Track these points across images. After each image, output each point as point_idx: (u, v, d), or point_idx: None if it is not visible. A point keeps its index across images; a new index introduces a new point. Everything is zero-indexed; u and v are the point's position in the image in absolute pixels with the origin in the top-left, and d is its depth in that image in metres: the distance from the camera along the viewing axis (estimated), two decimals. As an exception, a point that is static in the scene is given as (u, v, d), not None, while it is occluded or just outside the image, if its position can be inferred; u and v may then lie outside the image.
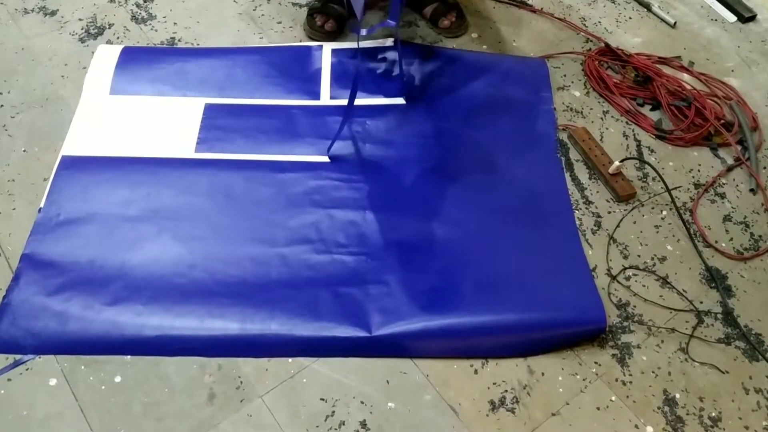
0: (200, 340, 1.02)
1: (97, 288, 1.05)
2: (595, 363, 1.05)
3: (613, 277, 1.15)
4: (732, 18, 1.65)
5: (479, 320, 1.04)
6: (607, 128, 1.38)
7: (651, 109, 1.42)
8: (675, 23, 1.61)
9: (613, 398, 1.02)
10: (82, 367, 0.99)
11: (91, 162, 1.22)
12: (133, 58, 1.39)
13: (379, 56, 1.43)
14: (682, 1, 1.67)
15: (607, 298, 1.12)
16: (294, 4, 1.58)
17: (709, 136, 1.37)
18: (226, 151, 1.25)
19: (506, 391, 1.01)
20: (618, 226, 1.22)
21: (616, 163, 1.26)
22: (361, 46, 1.39)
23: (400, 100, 1.36)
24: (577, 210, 1.23)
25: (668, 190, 1.25)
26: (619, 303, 1.12)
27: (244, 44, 1.47)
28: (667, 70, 1.49)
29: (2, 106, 1.32)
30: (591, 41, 1.56)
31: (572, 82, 1.46)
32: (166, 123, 1.29)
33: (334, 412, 0.98)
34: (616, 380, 1.04)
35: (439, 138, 1.31)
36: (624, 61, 1.48)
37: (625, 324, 1.09)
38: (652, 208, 1.25)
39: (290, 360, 1.02)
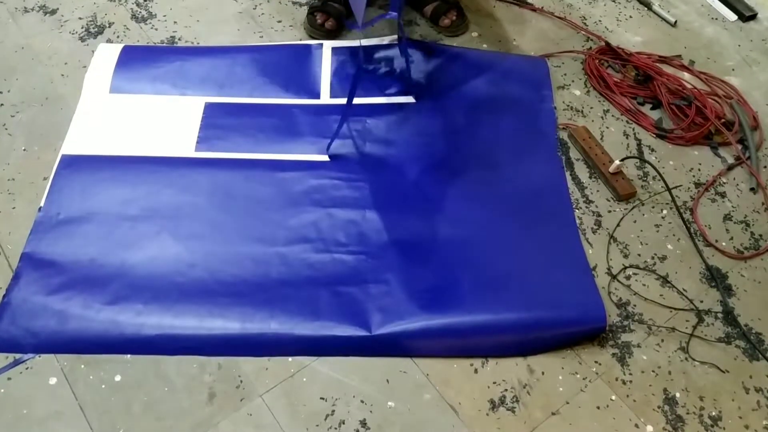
0: (200, 339, 1.02)
1: (97, 287, 1.05)
2: (595, 362, 1.05)
3: (614, 276, 1.15)
4: (733, 17, 1.65)
5: (479, 319, 1.04)
6: (607, 127, 1.38)
7: (651, 108, 1.42)
8: (675, 22, 1.61)
9: (613, 397, 1.02)
10: (82, 366, 0.99)
11: (91, 161, 1.22)
12: (133, 56, 1.39)
13: (380, 54, 1.43)
14: (682, 0, 1.67)
15: (607, 297, 1.12)
16: (294, 3, 1.57)
17: (709, 135, 1.37)
18: (226, 150, 1.25)
19: (506, 390, 1.01)
20: (618, 225, 1.22)
21: (617, 162, 1.26)
22: (363, 43, 1.39)
23: (407, 99, 1.35)
24: (578, 209, 1.23)
25: (668, 189, 1.24)
26: (620, 302, 1.12)
27: (244, 43, 1.47)
28: (667, 69, 1.48)
29: (2, 105, 1.32)
30: (591, 40, 1.55)
31: (573, 81, 1.46)
32: (166, 122, 1.29)
33: (334, 411, 0.98)
34: (616, 379, 1.04)
35: (439, 137, 1.31)
36: (624, 60, 1.48)
37: (626, 323, 1.09)
38: (653, 207, 1.25)
39: (290, 359, 1.02)
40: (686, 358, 1.06)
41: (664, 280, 1.15)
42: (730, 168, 1.33)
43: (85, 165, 1.21)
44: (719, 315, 1.12)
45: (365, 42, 1.44)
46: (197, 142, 1.26)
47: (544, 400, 1.01)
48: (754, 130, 1.39)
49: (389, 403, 0.99)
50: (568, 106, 1.41)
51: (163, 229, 1.13)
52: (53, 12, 1.50)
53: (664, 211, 1.25)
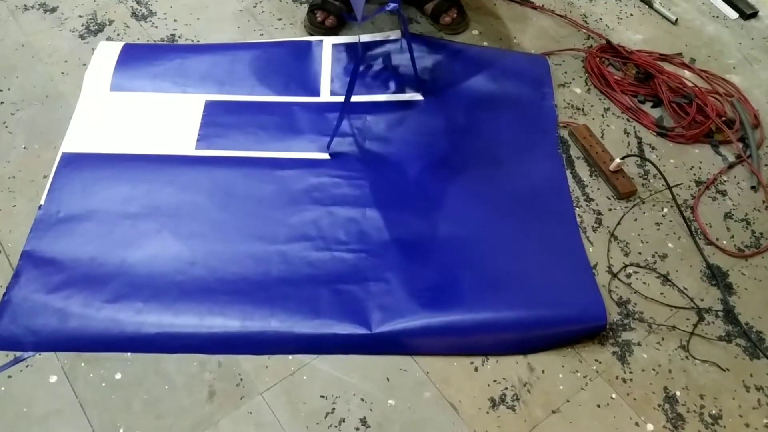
0: (200, 337, 1.02)
1: (97, 285, 1.05)
2: (596, 360, 1.05)
3: (614, 275, 1.15)
4: (734, 15, 1.65)
5: (479, 318, 1.04)
6: (608, 125, 1.38)
7: (652, 106, 1.42)
8: (676, 20, 1.61)
9: (614, 396, 1.02)
10: (82, 365, 1.00)
11: (92, 159, 1.22)
12: (133, 54, 1.39)
13: (381, 50, 1.42)
14: (683, -2, 1.67)
15: (607, 295, 1.12)
16: (294, 1, 1.57)
17: (710, 133, 1.37)
18: (226, 148, 1.25)
19: (506, 388, 1.01)
20: (619, 223, 1.22)
21: (617, 160, 1.26)
22: (362, 40, 1.38)
23: (412, 96, 1.35)
24: (578, 207, 1.23)
25: (669, 188, 1.24)
26: (620, 300, 1.12)
27: (244, 41, 1.46)
28: (668, 67, 1.48)
29: (2, 103, 1.32)
30: (592, 38, 1.55)
31: (573, 79, 1.46)
32: (166, 120, 1.29)
33: (334, 409, 0.98)
34: (617, 378, 1.04)
35: (440, 135, 1.31)
36: (625, 58, 1.48)
37: (626, 321, 1.09)
38: (653, 205, 1.25)
39: (290, 357, 1.02)
40: (687, 357, 1.06)
41: (665, 279, 1.15)
42: (731, 166, 1.33)
43: (85, 163, 1.21)
44: (720, 313, 1.12)
45: (366, 38, 1.44)
46: (197, 140, 1.26)
47: (544, 399, 1.01)
48: (755, 128, 1.39)
49: (389, 401, 0.99)
50: (568, 104, 1.41)
51: (163, 228, 1.13)
52: (53, 10, 1.50)
53: (665, 210, 1.25)
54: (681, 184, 1.29)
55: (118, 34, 1.46)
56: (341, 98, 1.33)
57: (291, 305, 1.05)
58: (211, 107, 1.31)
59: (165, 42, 1.46)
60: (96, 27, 1.47)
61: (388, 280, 1.09)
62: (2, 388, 0.97)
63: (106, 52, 1.39)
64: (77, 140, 1.24)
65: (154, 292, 1.06)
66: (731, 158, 1.34)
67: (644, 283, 1.14)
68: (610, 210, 1.24)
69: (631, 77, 1.46)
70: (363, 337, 1.03)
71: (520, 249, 1.15)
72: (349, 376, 1.01)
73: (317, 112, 1.32)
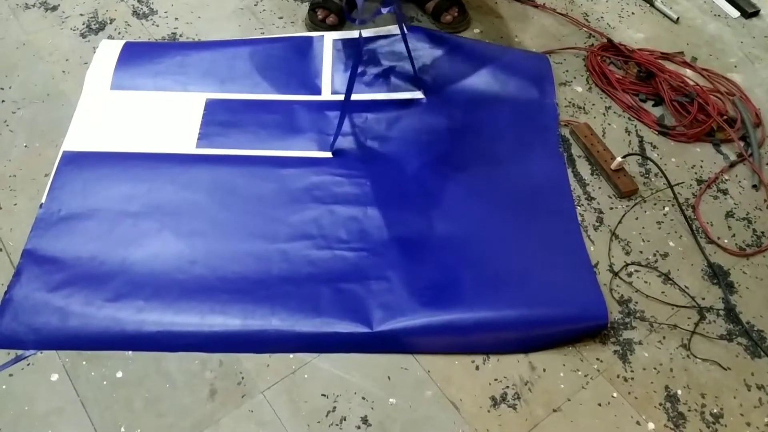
0: (201, 335, 1.02)
1: (98, 284, 1.05)
2: (597, 359, 1.05)
3: (615, 274, 1.15)
4: (735, 13, 1.65)
5: (481, 316, 1.04)
6: (609, 124, 1.38)
7: (653, 105, 1.42)
8: (678, 19, 1.61)
9: (615, 394, 1.02)
10: (84, 363, 1.00)
11: (93, 157, 1.21)
12: (134, 53, 1.39)
13: (382, 47, 1.42)
14: (685, -3, 1.67)
15: (609, 294, 1.12)
16: (295, -1, 1.57)
17: (711, 132, 1.37)
18: (227, 146, 1.25)
19: (507, 387, 1.01)
20: (620, 222, 1.22)
21: (619, 159, 1.25)
22: (364, 35, 1.37)
23: (414, 94, 1.35)
24: (579, 206, 1.23)
25: (670, 186, 1.24)
26: (621, 299, 1.12)
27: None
28: (669, 66, 1.48)
29: (3, 101, 1.32)
30: (593, 37, 1.55)
31: (574, 78, 1.46)
32: (167, 118, 1.29)
33: (335, 407, 0.98)
34: (618, 376, 1.03)
35: (441, 133, 1.31)
36: (626, 57, 1.48)
37: (627, 320, 1.09)
38: (655, 204, 1.25)
39: (291, 356, 1.02)
40: (688, 356, 1.06)
41: (666, 277, 1.15)
42: (732, 165, 1.33)
43: (86, 162, 1.21)
44: (721, 312, 1.12)
45: (368, 32, 1.43)
46: (198, 139, 1.26)
47: (545, 397, 1.01)
48: (757, 127, 1.39)
49: (390, 400, 0.99)
50: (570, 102, 1.41)
51: (164, 226, 1.13)
52: (54, 8, 1.50)
53: (666, 208, 1.25)
54: (682, 182, 1.29)
55: (119, 33, 1.46)
56: (342, 96, 1.33)
57: (292, 304, 1.05)
58: (211, 106, 1.31)
59: (166, 41, 1.45)
60: (97, 25, 1.47)
61: (389, 278, 1.09)
62: (3, 387, 0.97)
63: (108, 51, 1.39)
64: (78, 139, 1.24)
65: (155, 291, 1.05)
66: (732, 157, 1.34)
67: (645, 282, 1.14)
68: (612, 209, 1.24)
69: (632, 76, 1.45)
70: (364, 335, 1.03)
71: (522, 247, 1.14)
72: (350, 374, 1.01)
73: (318, 110, 1.32)
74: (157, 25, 1.49)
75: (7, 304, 1.03)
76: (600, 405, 1.01)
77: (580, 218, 1.21)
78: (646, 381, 1.03)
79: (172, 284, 1.07)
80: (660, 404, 1.01)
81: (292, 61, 1.39)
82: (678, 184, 1.28)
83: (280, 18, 1.53)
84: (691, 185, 1.29)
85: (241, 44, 1.42)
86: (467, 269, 1.11)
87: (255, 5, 1.55)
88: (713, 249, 1.20)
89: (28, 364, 0.99)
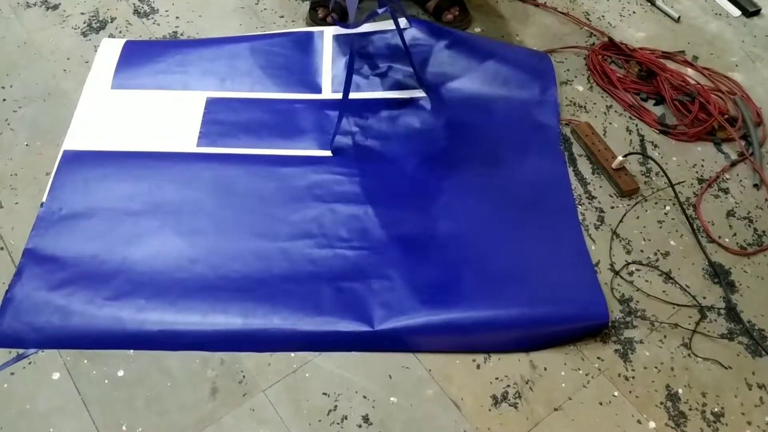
0: (203, 334, 1.02)
1: (99, 283, 1.05)
2: (598, 358, 1.05)
3: (616, 273, 1.15)
4: (736, 12, 1.65)
5: (482, 315, 1.04)
6: (610, 123, 1.37)
7: (654, 104, 1.42)
8: (679, 17, 1.61)
9: (616, 393, 1.02)
10: (85, 361, 1.00)
11: (93, 156, 1.22)
12: (134, 52, 1.39)
13: (383, 44, 1.40)
14: (686, -5, 1.67)
15: (610, 293, 1.12)
16: (296, -2, 1.57)
17: (712, 131, 1.36)
18: (227, 145, 1.25)
19: (509, 386, 1.01)
20: (621, 221, 1.22)
21: (620, 158, 1.25)
22: (363, 30, 1.36)
23: (415, 93, 1.34)
24: (580, 205, 1.23)
25: (672, 185, 1.24)
26: (622, 298, 1.12)
27: (246, 38, 1.46)
28: (670, 65, 1.48)
29: (5, 100, 1.32)
30: (594, 36, 1.55)
31: (575, 77, 1.46)
32: (167, 117, 1.29)
33: (336, 406, 0.98)
34: (619, 375, 1.04)
35: (441, 131, 1.31)
36: (628, 56, 1.48)
37: (628, 319, 1.09)
38: (656, 203, 1.25)
39: (293, 354, 1.02)
40: (689, 355, 1.06)
41: (667, 276, 1.15)
42: (734, 164, 1.33)
43: (87, 160, 1.21)
44: (722, 311, 1.12)
45: (366, 28, 1.41)
46: (199, 138, 1.26)
47: (546, 396, 1.01)
48: (758, 126, 1.39)
49: (392, 399, 0.99)
50: (571, 101, 1.41)
51: (165, 225, 1.13)
52: (55, 7, 1.50)
53: (667, 207, 1.25)
54: (683, 181, 1.29)
55: (120, 32, 1.46)
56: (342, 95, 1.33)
57: (293, 302, 1.05)
58: (212, 104, 1.31)
59: (167, 39, 1.45)
60: (98, 24, 1.47)
61: (390, 277, 1.09)
62: (5, 385, 0.97)
63: (108, 50, 1.39)
64: (79, 138, 1.24)
65: (156, 290, 1.06)
66: (734, 156, 1.34)
67: (646, 281, 1.14)
68: (613, 208, 1.24)
69: (633, 75, 1.45)
70: (365, 334, 1.03)
71: (522, 247, 1.14)
72: (352, 373, 1.01)
73: (319, 109, 1.32)
74: (158, 24, 1.49)
75: (8, 303, 1.03)
76: (601, 404, 1.01)
77: (581, 217, 1.21)
78: (647, 380, 1.03)
79: (173, 283, 1.07)
80: (661, 403, 1.01)
81: (292, 59, 1.39)
82: (679, 183, 1.28)
83: (281, 17, 1.53)
84: (692, 184, 1.29)
85: (241, 41, 1.42)
86: (468, 268, 1.11)
87: (256, 4, 1.55)
88: (714, 248, 1.20)
89: (30, 363, 0.99)
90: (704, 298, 1.13)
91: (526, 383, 1.02)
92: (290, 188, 1.20)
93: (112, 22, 1.48)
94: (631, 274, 1.15)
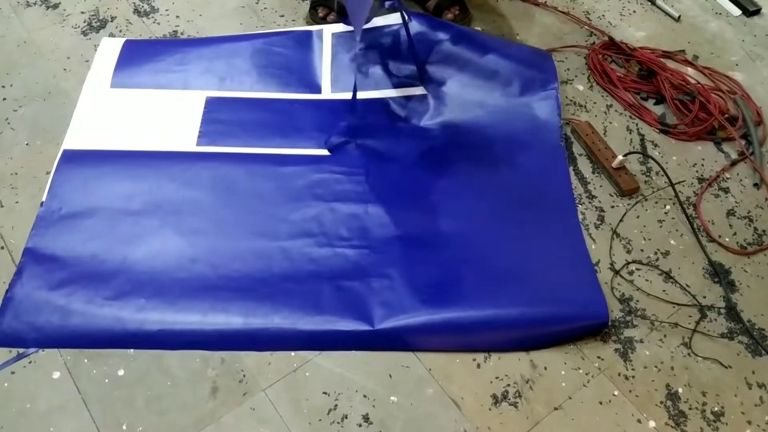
0: (203, 333, 1.02)
1: (99, 282, 1.05)
2: (598, 357, 1.05)
3: (616, 272, 1.15)
4: (736, 11, 1.65)
5: (482, 314, 1.04)
6: (610, 122, 1.37)
7: (655, 103, 1.42)
8: (679, 17, 1.61)
9: (616, 393, 1.02)
10: (85, 361, 1.00)
11: (93, 156, 1.21)
12: (134, 51, 1.38)
13: (383, 41, 1.39)
14: (686, -5, 1.67)
15: (610, 292, 1.12)
16: (296, -3, 1.57)
17: (713, 130, 1.36)
18: (227, 144, 1.25)
19: (509, 385, 1.01)
20: (621, 220, 1.22)
21: (620, 157, 1.25)
22: (364, 27, 1.35)
23: (415, 90, 1.34)
24: (581, 204, 1.23)
25: (672, 185, 1.24)
26: (622, 297, 1.12)
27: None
28: (671, 64, 1.48)
29: (5, 99, 1.32)
30: (595, 35, 1.55)
31: (576, 76, 1.46)
32: (167, 116, 1.29)
33: (336, 405, 0.98)
34: (619, 375, 1.04)
35: (442, 129, 1.30)
36: (628, 55, 1.48)
37: (628, 318, 1.09)
38: (656, 202, 1.25)
39: (293, 354, 1.02)
40: (689, 354, 1.06)
41: (667, 276, 1.15)
42: (734, 163, 1.33)
43: (86, 160, 1.21)
44: (722, 311, 1.12)
45: (367, 25, 1.40)
46: (199, 137, 1.26)
47: (546, 395, 1.01)
48: (758, 126, 1.39)
49: (392, 398, 0.99)
50: (571, 101, 1.41)
51: (165, 224, 1.13)
52: (55, 6, 1.50)
53: (667, 207, 1.25)
54: (683, 181, 1.29)
55: (120, 31, 1.46)
56: (342, 95, 1.33)
57: (293, 302, 1.05)
58: (212, 104, 1.31)
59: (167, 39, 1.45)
60: (98, 23, 1.47)
61: (391, 276, 1.09)
62: (5, 384, 0.97)
63: (108, 49, 1.39)
64: (78, 137, 1.24)
65: (156, 289, 1.06)
66: (734, 155, 1.34)
67: (646, 281, 1.14)
68: (613, 207, 1.24)
69: (633, 74, 1.45)
70: (365, 333, 1.03)
71: (522, 246, 1.14)
72: (352, 372, 1.01)
73: (319, 109, 1.32)
74: (158, 23, 1.48)
75: (8, 302, 1.03)
76: (601, 403, 1.01)
77: (581, 217, 1.21)
78: (647, 379, 1.03)
79: (173, 282, 1.07)
80: (661, 402, 1.01)
81: (292, 58, 1.39)
82: (679, 182, 1.28)
83: (282, 16, 1.53)
84: (692, 183, 1.29)
85: (240, 39, 1.42)
86: (468, 267, 1.11)
87: (256, 3, 1.55)
88: (714, 247, 1.20)
89: (30, 362, 0.99)
90: (704, 297, 1.13)
91: (526, 382, 1.02)
92: (290, 187, 1.20)
93: (112, 21, 1.48)
94: (631, 273, 1.15)
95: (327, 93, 1.35)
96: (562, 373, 1.03)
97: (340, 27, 1.43)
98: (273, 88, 1.35)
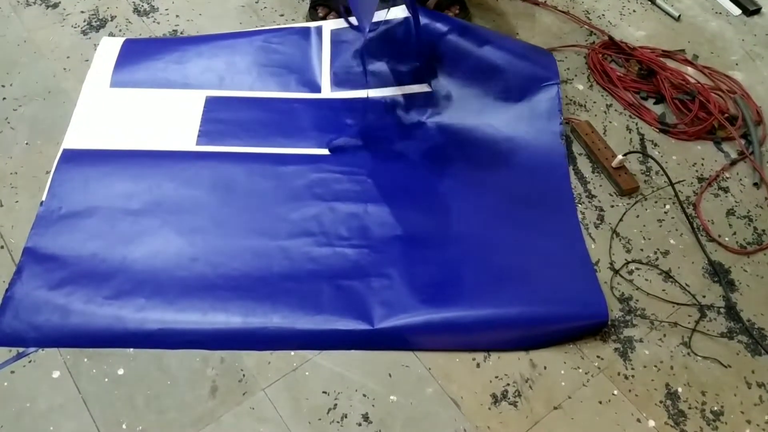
0: (202, 333, 1.02)
1: (99, 281, 1.05)
2: (598, 357, 1.05)
3: (616, 271, 1.15)
4: (736, 11, 1.65)
5: (481, 314, 1.04)
6: (610, 122, 1.37)
7: (654, 103, 1.42)
8: (679, 16, 1.61)
9: (615, 392, 1.02)
10: (85, 360, 1.00)
11: (93, 155, 1.21)
12: (133, 50, 1.38)
13: (386, 36, 1.37)
14: (686, -6, 1.67)
15: (609, 292, 1.12)
16: (296, -3, 1.57)
17: (712, 129, 1.36)
18: (227, 144, 1.25)
19: (508, 384, 1.01)
20: (621, 219, 1.22)
21: (620, 156, 1.25)
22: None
23: (420, 88, 1.34)
24: (580, 204, 1.23)
25: (671, 184, 1.24)
26: (622, 297, 1.12)
27: (246, 37, 1.46)
28: (671, 64, 1.48)
29: (5, 98, 1.32)
30: (595, 34, 1.55)
31: (575, 76, 1.46)
32: (167, 116, 1.29)
33: (336, 405, 0.98)
34: (618, 374, 1.04)
35: (442, 128, 1.30)
36: (628, 55, 1.48)
37: (628, 318, 1.09)
38: (656, 202, 1.25)
39: (292, 353, 1.02)
40: (688, 353, 1.06)
41: (667, 275, 1.15)
42: (734, 163, 1.33)
43: (86, 159, 1.21)
44: (722, 310, 1.12)
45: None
46: (198, 136, 1.26)
47: (546, 395, 1.01)
48: (758, 125, 1.39)
49: (391, 397, 0.99)
50: (571, 100, 1.41)
51: (164, 224, 1.13)
52: (55, 5, 1.50)
53: (667, 206, 1.25)
54: (683, 180, 1.29)
55: (120, 30, 1.46)
56: (341, 94, 1.33)
57: (293, 301, 1.05)
58: (211, 103, 1.31)
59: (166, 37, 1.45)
60: (98, 23, 1.47)
61: (390, 275, 1.09)
62: (5, 384, 0.97)
63: (108, 48, 1.39)
64: (78, 137, 1.24)
65: (156, 289, 1.06)
66: (734, 155, 1.34)
67: (646, 280, 1.14)
68: (612, 206, 1.24)
69: (633, 74, 1.45)
70: (365, 332, 1.03)
71: (522, 245, 1.14)
72: (351, 371, 1.01)
73: (318, 108, 1.32)
74: (158, 23, 1.48)
75: (8, 301, 1.03)
76: (600, 402, 1.01)
77: (580, 216, 1.21)
78: (647, 379, 1.03)
79: (173, 282, 1.07)
80: (660, 402, 1.01)
81: (291, 56, 1.39)
82: (679, 182, 1.28)
83: (281, 15, 1.53)
84: (692, 183, 1.29)
85: (239, 36, 1.41)
86: (468, 266, 1.11)
87: (256, 2, 1.55)
88: (714, 247, 1.20)
89: (30, 362, 0.99)
90: (704, 296, 1.13)
91: (526, 382, 1.02)
92: (290, 187, 1.20)
93: (112, 20, 1.48)
94: (630, 272, 1.15)
95: (326, 92, 1.35)
96: (562, 372, 1.03)
97: (339, 23, 1.43)
98: (272, 87, 1.35)
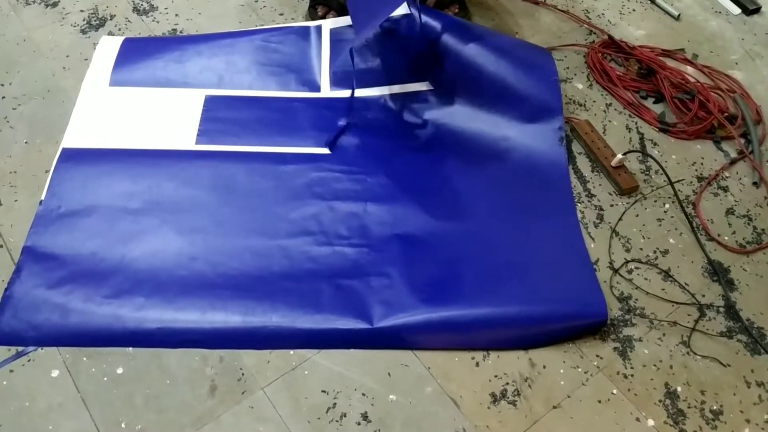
0: (202, 332, 1.02)
1: (98, 281, 1.05)
2: (597, 356, 1.05)
3: (615, 271, 1.15)
4: (736, 10, 1.64)
5: (481, 313, 1.04)
6: (610, 121, 1.37)
7: (654, 102, 1.42)
8: (679, 15, 1.61)
9: (615, 391, 1.02)
10: (84, 359, 1.00)
11: (92, 154, 1.21)
12: (133, 49, 1.38)
13: (386, 34, 1.37)
14: (686, -7, 1.67)
15: (609, 291, 1.12)
16: (296, -4, 1.57)
17: (712, 129, 1.36)
18: (226, 143, 1.25)
19: (507, 383, 1.01)
20: (620, 219, 1.22)
21: (619, 156, 1.25)
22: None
23: (420, 86, 1.34)
24: (580, 203, 1.23)
25: (671, 183, 1.24)
26: (621, 296, 1.12)
27: (245, 36, 1.46)
28: (670, 63, 1.48)
29: (4, 97, 1.32)
30: (594, 33, 1.55)
31: (575, 75, 1.46)
32: (166, 115, 1.28)
33: (335, 404, 0.98)
34: (618, 373, 1.04)
35: (441, 128, 1.30)
36: (627, 54, 1.48)
37: (627, 317, 1.09)
38: (655, 201, 1.25)
39: (292, 352, 1.02)
40: (688, 353, 1.06)
41: (666, 275, 1.15)
42: (733, 162, 1.33)
43: (85, 158, 1.21)
44: (721, 309, 1.12)
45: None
46: (198, 135, 1.26)
47: (545, 394, 1.01)
48: (757, 124, 1.39)
49: (391, 396, 0.99)
50: (570, 99, 1.41)
51: (164, 223, 1.13)
52: (55, 4, 1.50)
53: (667, 205, 1.25)
54: (683, 180, 1.29)
55: (120, 29, 1.46)
56: (341, 93, 1.33)
57: (292, 300, 1.05)
58: (211, 102, 1.31)
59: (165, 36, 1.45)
60: (97, 22, 1.47)
61: (390, 274, 1.09)
62: (4, 383, 0.97)
63: (107, 47, 1.39)
64: (77, 136, 1.24)
65: (155, 288, 1.06)
66: (733, 154, 1.34)
67: (645, 279, 1.14)
68: (612, 206, 1.24)
69: (633, 73, 1.45)
70: (364, 331, 1.03)
71: (522, 244, 1.14)
72: (351, 371, 1.01)
73: (318, 107, 1.32)
74: (158, 22, 1.48)
75: (7, 300, 1.03)
76: (600, 402, 1.01)
77: (580, 215, 1.21)
78: (646, 378, 1.03)
79: (173, 281, 1.07)
80: (660, 401, 1.01)
81: (290, 55, 1.39)
82: (678, 181, 1.28)
83: (281, 14, 1.53)
84: (691, 182, 1.29)
85: (238, 35, 1.41)
86: (467, 265, 1.11)
87: (255, 1, 1.55)
88: (713, 246, 1.20)
89: (29, 360, 0.99)
90: (703, 296, 1.13)
91: (525, 381, 1.02)
92: (289, 186, 1.20)
93: (111, 19, 1.48)
94: (630, 272, 1.15)
95: (326, 91, 1.35)
96: (561, 371, 1.03)
97: (339, 22, 1.43)
98: (272, 86, 1.35)
